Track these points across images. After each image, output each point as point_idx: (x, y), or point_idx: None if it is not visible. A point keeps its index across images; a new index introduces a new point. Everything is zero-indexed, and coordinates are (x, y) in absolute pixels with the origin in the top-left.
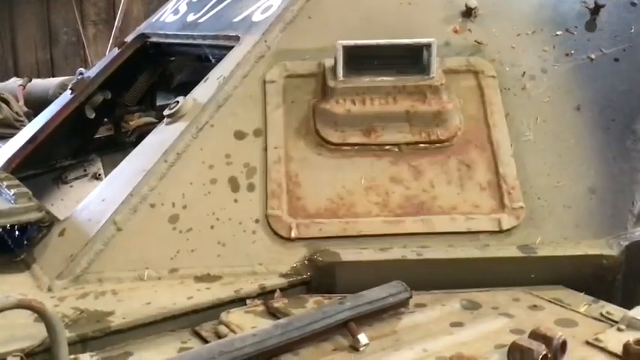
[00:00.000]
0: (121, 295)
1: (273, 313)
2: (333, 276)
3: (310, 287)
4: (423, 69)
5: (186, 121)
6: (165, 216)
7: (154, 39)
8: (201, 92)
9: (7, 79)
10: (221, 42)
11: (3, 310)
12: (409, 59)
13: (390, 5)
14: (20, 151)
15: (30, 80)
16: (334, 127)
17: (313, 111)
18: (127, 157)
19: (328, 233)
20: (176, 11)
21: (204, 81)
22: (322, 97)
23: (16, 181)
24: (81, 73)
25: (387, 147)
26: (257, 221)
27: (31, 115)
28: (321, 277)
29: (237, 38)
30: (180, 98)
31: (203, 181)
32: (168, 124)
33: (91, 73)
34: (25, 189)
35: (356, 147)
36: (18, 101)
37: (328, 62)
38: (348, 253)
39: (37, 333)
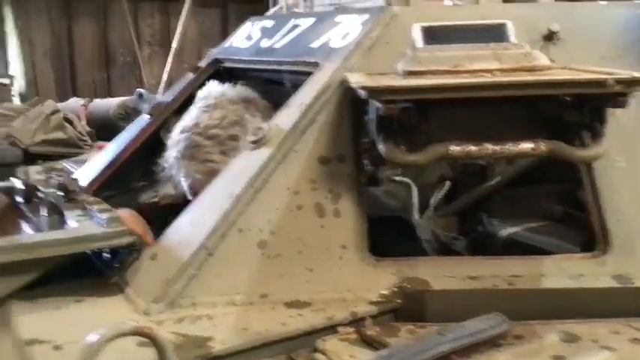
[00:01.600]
0: (216, 320)
1: (367, 342)
2: (422, 304)
3: (398, 315)
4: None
5: (270, 147)
6: (253, 241)
7: (227, 64)
8: (284, 118)
9: (67, 99)
10: (299, 68)
11: (119, 336)
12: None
13: None
14: (100, 175)
15: (91, 100)
16: None
17: None
18: (214, 182)
19: None
20: (249, 37)
21: (286, 107)
22: None
23: (106, 205)
24: (140, 94)
25: None
26: (344, 247)
27: (94, 134)
28: (410, 304)
29: (315, 64)
30: (264, 124)
31: (289, 207)
32: (252, 149)
33: (167, 97)
34: (116, 213)
35: None
36: (80, 121)
37: None
38: (439, 281)
39: (147, 358)
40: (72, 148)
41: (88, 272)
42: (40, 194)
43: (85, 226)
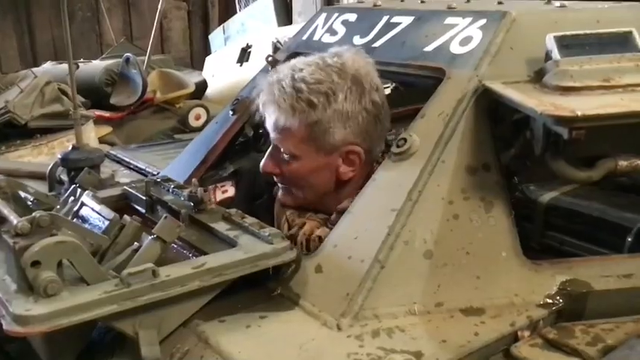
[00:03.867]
0: (411, 332)
1: (553, 345)
2: (584, 304)
3: (560, 316)
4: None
5: (419, 158)
6: (419, 252)
7: None
8: (424, 128)
9: (26, 58)
10: (414, 71)
11: None
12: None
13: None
14: (195, 171)
15: (77, 67)
16: None
17: None
18: (363, 195)
19: None
20: (333, 31)
21: (422, 117)
22: None
23: (257, 220)
24: (127, 59)
25: None
26: (503, 253)
27: (89, 104)
28: (572, 305)
29: (439, 70)
30: (405, 135)
31: (446, 217)
32: (396, 161)
33: (246, 92)
34: (275, 229)
35: None
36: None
37: None
38: (597, 282)
39: None
40: (69, 120)
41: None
42: (171, 205)
43: (251, 243)
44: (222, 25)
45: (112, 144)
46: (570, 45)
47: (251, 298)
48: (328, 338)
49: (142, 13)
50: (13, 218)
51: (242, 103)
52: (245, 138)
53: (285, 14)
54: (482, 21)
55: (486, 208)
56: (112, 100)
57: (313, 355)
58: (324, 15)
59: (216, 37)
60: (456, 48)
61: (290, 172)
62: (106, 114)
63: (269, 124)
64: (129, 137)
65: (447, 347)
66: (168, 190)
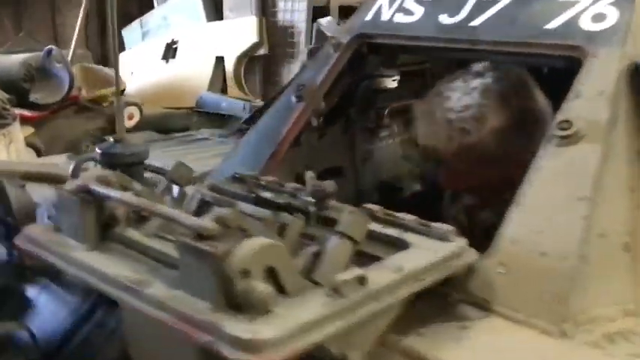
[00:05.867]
0: None
1: None
2: None
3: None
4: None
5: (589, 142)
6: (618, 246)
7: (382, 40)
8: (586, 110)
9: None
10: (541, 50)
11: None
12: None
13: None
14: (266, 166)
15: None
16: None
17: None
18: (529, 184)
19: None
20: (406, 11)
21: (577, 97)
22: None
23: (414, 216)
24: (49, 51)
25: None
26: None
27: (14, 101)
28: None
29: (576, 48)
30: (566, 117)
31: (633, 206)
32: (561, 145)
33: (307, 77)
34: (446, 225)
35: None
36: None
37: None
38: None
39: None
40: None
41: None
42: (295, 203)
43: (425, 242)
44: (139, 20)
45: (35, 147)
46: None
47: (423, 306)
48: (563, 348)
49: (34, 7)
50: (186, 217)
51: (309, 89)
52: None
53: (214, 9)
54: None
55: None
56: (32, 98)
57: None
58: None
59: (132, 32)
60: (588, 25)
61: None
62: (27, 113)
63: None
64: (52, 139)
65: None
66: (262, 187)
